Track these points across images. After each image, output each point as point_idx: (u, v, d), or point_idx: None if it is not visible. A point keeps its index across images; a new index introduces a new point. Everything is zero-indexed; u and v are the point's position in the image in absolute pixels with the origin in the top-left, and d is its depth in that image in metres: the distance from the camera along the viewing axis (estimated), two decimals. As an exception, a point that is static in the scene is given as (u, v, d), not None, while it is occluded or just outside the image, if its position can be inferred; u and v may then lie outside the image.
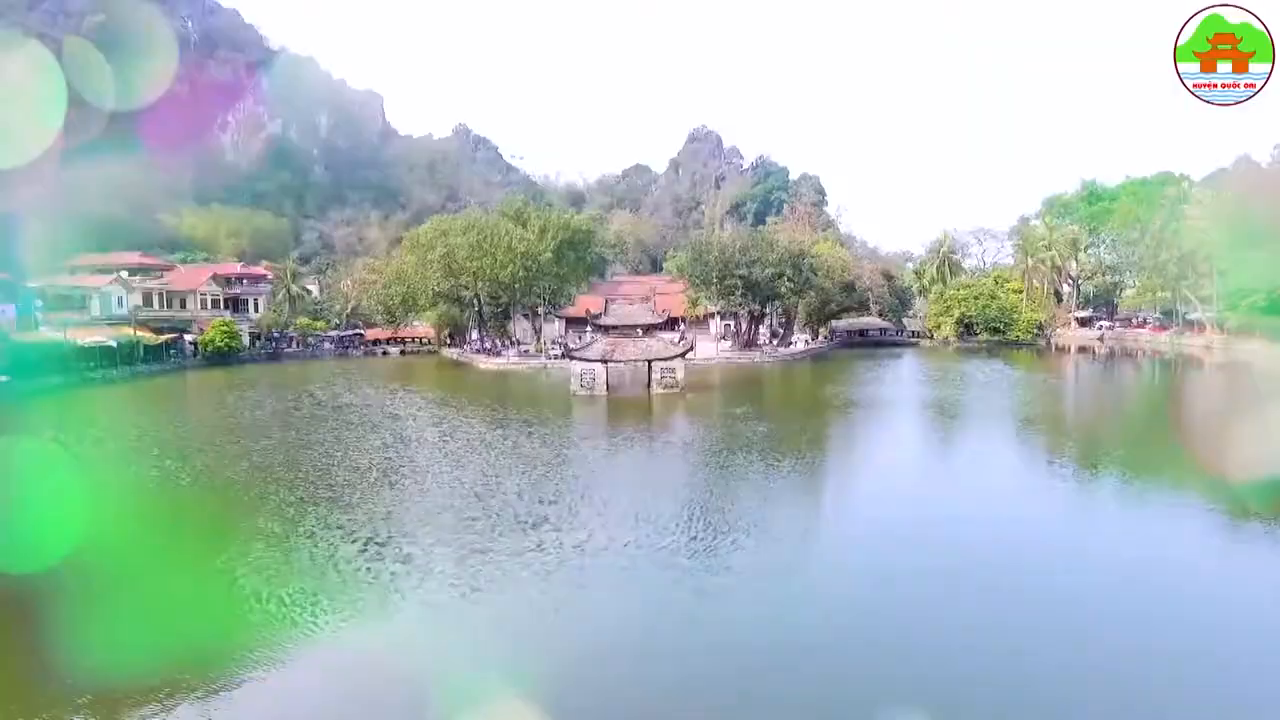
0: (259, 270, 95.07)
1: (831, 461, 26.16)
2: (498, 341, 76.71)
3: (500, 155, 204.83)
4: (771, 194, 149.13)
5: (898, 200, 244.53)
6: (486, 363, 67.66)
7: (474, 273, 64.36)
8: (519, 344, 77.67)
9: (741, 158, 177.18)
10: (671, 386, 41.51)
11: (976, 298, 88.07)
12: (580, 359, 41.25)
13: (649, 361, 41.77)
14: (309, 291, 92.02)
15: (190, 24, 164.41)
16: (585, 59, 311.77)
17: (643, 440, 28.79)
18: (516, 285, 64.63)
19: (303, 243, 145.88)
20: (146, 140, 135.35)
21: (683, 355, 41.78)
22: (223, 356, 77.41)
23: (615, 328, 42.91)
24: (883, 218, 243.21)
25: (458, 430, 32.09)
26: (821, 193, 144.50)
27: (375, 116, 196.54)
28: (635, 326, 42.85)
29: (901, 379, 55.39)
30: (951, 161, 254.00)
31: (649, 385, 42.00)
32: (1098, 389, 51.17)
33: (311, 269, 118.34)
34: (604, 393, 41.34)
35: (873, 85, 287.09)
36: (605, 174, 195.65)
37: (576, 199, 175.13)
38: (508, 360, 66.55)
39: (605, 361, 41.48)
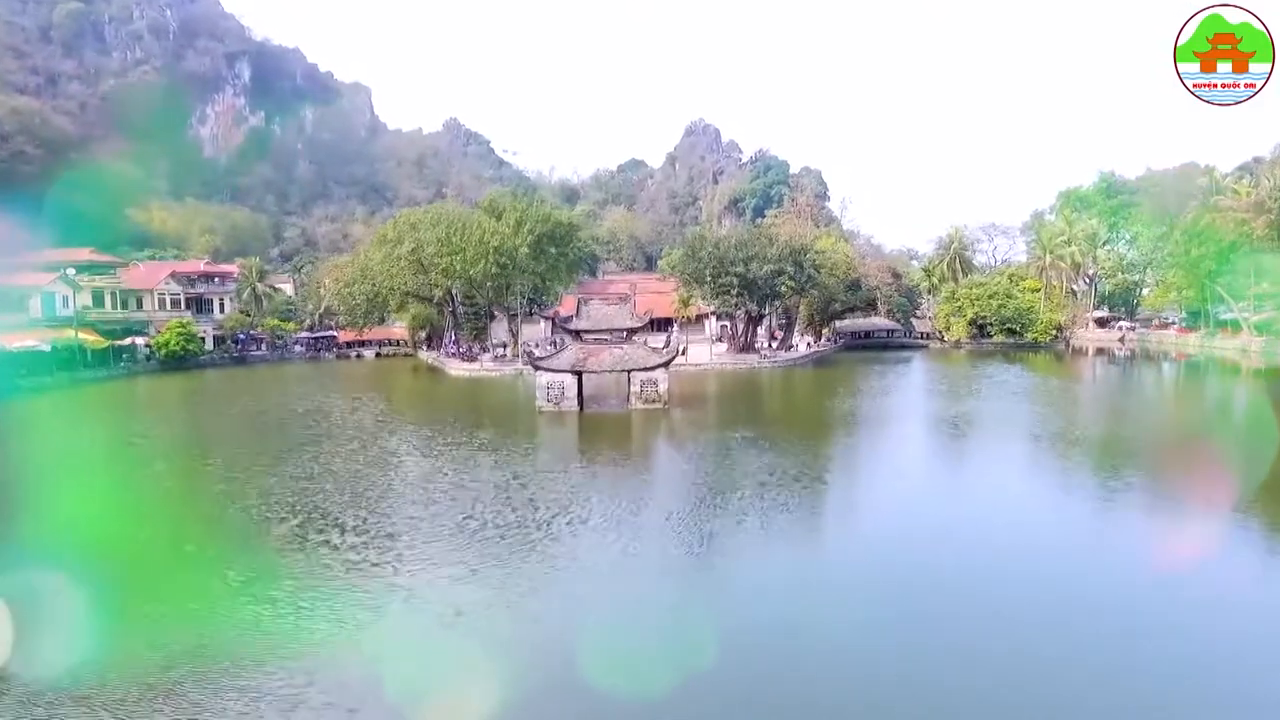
0: (225, 268, 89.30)
1: (862, 520, 19.54)
2: (474, 345, 70.84)
3: (492, 150, 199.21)
4: (771, 188, 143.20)
5: (899, 196, 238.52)
6: (458, 368, 61.86)
7: (443, 269, 58.43)
8: (498, 347, 71.85)
9: (740, 151, 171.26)
10: (654, 401, 35.71)
11: (991, 297, 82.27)
12: (547, 369, 35.44)
13: (628, 372, 35.96)
14: (275, 291, 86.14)
15: (169, 13, 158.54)
16: (580, 51, 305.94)
17: (612, 477, 22.99)
18: (490, 283, 58.47)
19: (284, 240, 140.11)
20: (120, 132, 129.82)
21: (666, 364, 35.94)
22: (179, 360, 71.70)
23: (590, 332, 37.07)
24: (884, 213, 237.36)
25: (388, 459, 26.31)
26: (824, 187, 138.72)
27: (363, 110, 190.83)
28: (613, 331, 36.99)
29: (919, 388, 49.68)
30: (955, 156, 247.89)
31: (629, 399, 36.23)
32: (1150, 402, 45.03)
33: (291, 267, 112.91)
34: (575, 408, 35.55)
35: (874, 78, 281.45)
36: (600, 169, 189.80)
37: (570, 195, 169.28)
38: (481, 365, 60.73)
39: (576, 372, 35.69)
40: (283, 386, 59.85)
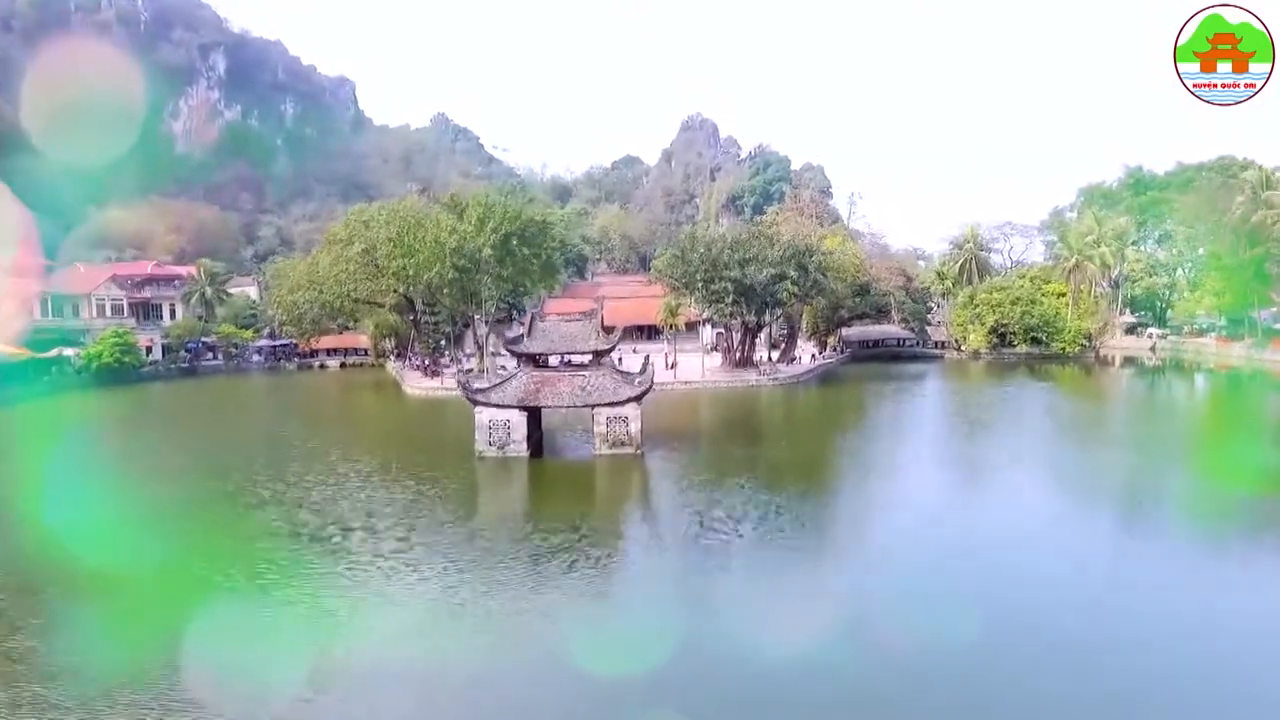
0: (176, 270, 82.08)
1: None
2: (440, 358, 63.33)
3: (481, 146, 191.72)
4: (771, 185, 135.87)
5: (902, 193, 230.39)
6: (416, 385, 54.53)
7: (394, 273, 51.04)
8: (468, 358, 64.41)
9: (739, 147, 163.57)
10: (623, 444, 28.41)
11: (1014, 303, 74.64)
12: (486, 404, 28.11)
13: (591, 407, 28.65)
14: (228, 296, 78.73)
15: (140, 2, 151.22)
16: (574, 44, 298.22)
17: (545, 595, 15.65)
18: (447, 289, 51.00)
19: (258, 240, 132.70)
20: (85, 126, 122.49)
21: (639, 398, 28.59)
22: (116, 374, 64.29)
23: (546, 356, 29.76)
24: (888, 211, 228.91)
25: (241, 553, 19.00)
26: (827, 183, 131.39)
27: (346, 104, 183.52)
28: (574, 353, 29.69)
29: (948, 417, 42.31)
30: (959, 151, 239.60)
31: (594, 440, 28.94)
32: (1234, 431, 37.51)
33: (259, 270, 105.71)
34: (524, 453, 28.24)
35: (875, 72, 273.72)
36: (593, 166, 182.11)
37: (563, 192, 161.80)
38: (442, 383, 53.28)
39: (526, 408, 28.38)
40: (211, 407, 52.68)
